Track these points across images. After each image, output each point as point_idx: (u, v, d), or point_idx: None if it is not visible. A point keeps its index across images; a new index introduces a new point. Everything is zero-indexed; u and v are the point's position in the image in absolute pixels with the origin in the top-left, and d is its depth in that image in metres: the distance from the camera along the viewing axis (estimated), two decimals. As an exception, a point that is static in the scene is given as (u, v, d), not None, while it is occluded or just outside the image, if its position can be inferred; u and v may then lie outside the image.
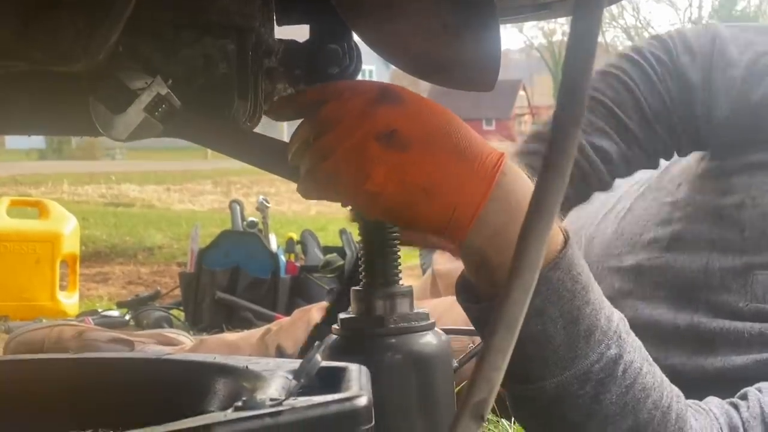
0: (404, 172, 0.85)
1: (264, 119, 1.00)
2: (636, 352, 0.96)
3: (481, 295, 0.94)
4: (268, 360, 0.76)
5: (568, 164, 0.48)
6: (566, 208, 1.43)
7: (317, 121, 0.88)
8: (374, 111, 0.86)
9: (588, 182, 1.44)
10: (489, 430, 1.66)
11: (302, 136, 0.90)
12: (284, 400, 0.60)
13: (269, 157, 0.94)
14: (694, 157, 1.48)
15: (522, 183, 0.89)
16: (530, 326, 0.90)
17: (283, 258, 3.47)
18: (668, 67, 1.43)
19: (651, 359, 0.99)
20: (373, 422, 0.63)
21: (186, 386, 0.79)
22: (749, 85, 1.38)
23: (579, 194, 1.45)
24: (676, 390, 1.01)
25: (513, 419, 1.66)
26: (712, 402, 1.07)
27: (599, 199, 1.62)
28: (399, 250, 0.94)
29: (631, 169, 1.47)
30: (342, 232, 3.70)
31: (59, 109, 0.94)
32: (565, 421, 0.96)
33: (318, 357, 0.65)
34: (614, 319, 0.95)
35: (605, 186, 1.46)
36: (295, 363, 0.71)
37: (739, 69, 1.39)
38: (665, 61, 1.44)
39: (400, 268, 0.94)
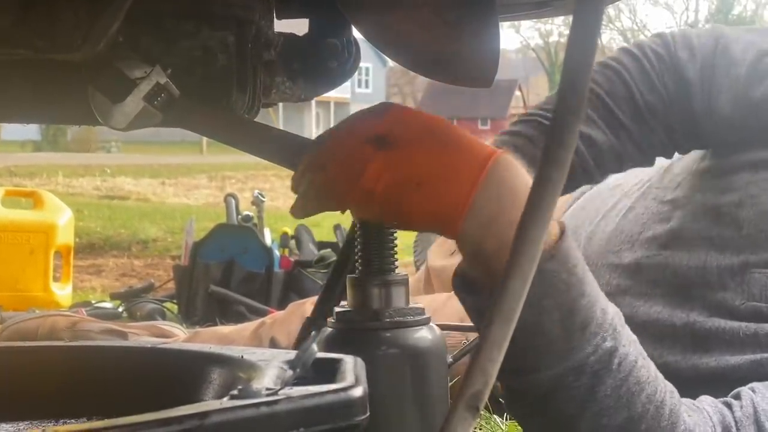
0: (396, 167, 0.88)
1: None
2: (631, 346, 0.97)
3: (477, 285, 0.94)
4: (263, 350, 0.76)
5: (567, 157, 0.49)
6: None
7: (314, 149, 0.93)
8: (362, 122, 0.91)
9: (571, 170, 1.40)
10: (480, 426, 1.67)
11: (301, 166, 0.94)
12: (280, 389, 0.61)
13: (269, 146, 0.94)
14: (694, 156, 1.48)
15: (515, 170, 0.90)
16: (525, 317, 0.89)
17: (277, 252, 3.47)
18: (666, 63, 1.43)
19: (645, 354, 0.99)
20: (368, 413, 0.63)
21: (181, 375, 0.79)
22: (751, 83, 1.38)
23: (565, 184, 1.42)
24: (669, 386, 1.01)
25: (505, 415, 1.67)
26: (706, 401, 1.08)
27: (600, 198, 1.61)
28: (396, 238, 0.94)
29: (624, 164, 1.45)
30: (336, 227, 3.70)
31: (59, 98, 0.94)
32: (559, 413, 0.96)
33: (314, 347, 0.66)
34: (609, 311, 0.95)
35: (591, 177, 1.42)
36: (291, 354, 0.71)
37: (742, 67, 1.39)
38: (663, 57, 1.43)
39: (396, 256, 0.94)
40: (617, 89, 1.41)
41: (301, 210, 0.94)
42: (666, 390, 0.99)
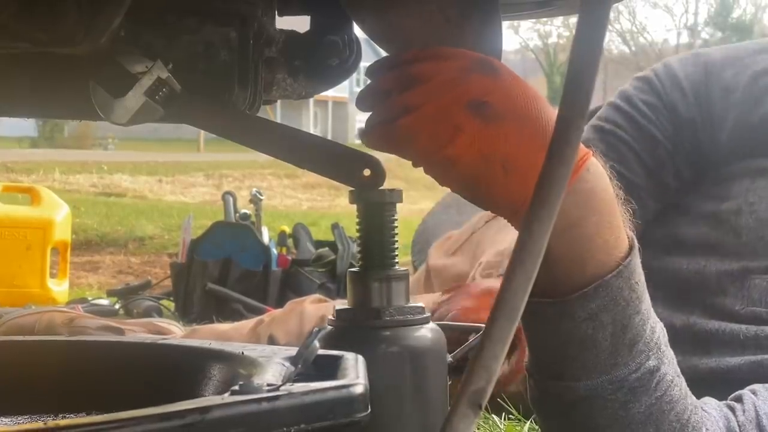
0: (486, 144, 0.84)
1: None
2: (670, 365, 0.96)
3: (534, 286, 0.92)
4: (263, 347, 0.76)
5: (573, 155, 0.48)
6: None
7: (408, 75, 0.87)
8: (469, 77, 0.85)
9: None
10: (479, 425, 1.66)
11: (383, 85, 0.88)
12: (281, 385, 0.60)
13: (270, 140, 0.93)
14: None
15: (605, 184, 0.89)
16: (580, 329, 0.90)
17: (274, 251, 3.47)
18: (660, 110, 1.43)
19: (679, 371, 0.99)
20: (369, 410, 0.63)
21: (181, 371, 0.79)
22: (748, 106, 1.38)
23: None
24: (695, 401, 1.01)
25: (504, 415, 1.67)
26: (710, 404, 1.07)
27: None
28: (397, 234, 0.94)
29: (646, 216, 1.46)
30: (334, 226, 3.70)
31: (60, 92, 0.94)
32: (587, 421, 0.96)
33: (316, 343, 0.65)
34: (657, 330, 0.95)
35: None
36: (291, 350, 0.71)
37: (738, 92, 1.39)
38: (655, 105, 1.44)
39: (397, 252, 0.93)
40: (623, 154, 1.44)
41: (373, 144, 0.88)
42: (692, 407, 0.99)
